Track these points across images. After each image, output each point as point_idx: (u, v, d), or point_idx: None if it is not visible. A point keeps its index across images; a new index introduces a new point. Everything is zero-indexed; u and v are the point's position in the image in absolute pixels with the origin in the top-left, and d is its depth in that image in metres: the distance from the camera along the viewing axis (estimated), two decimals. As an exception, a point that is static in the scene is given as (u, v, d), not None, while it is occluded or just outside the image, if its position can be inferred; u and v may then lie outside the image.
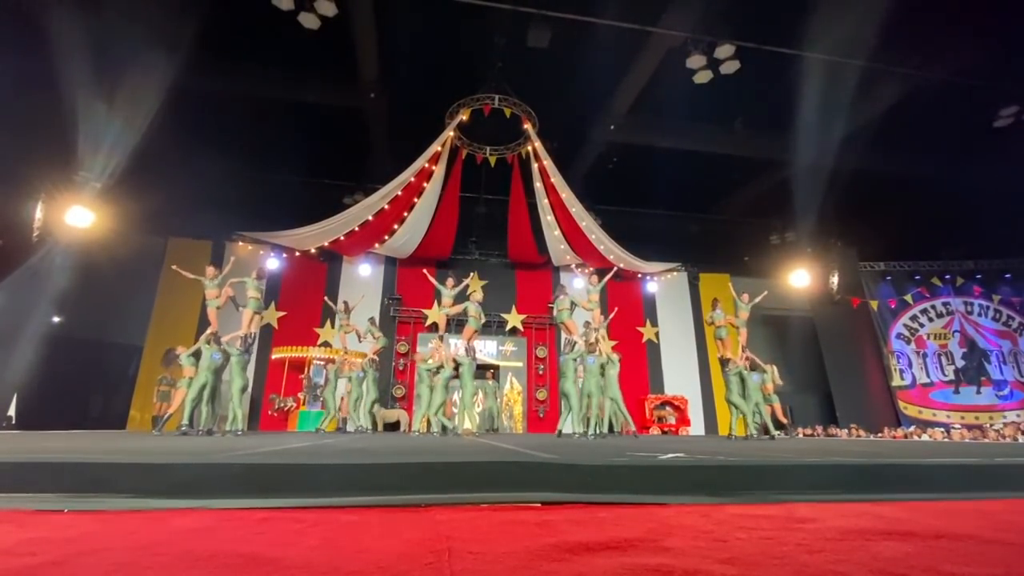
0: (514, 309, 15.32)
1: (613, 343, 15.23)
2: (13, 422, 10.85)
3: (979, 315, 14.86)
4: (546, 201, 13.57)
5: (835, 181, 11.90)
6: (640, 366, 15.45)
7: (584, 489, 2.09)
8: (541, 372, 14.69)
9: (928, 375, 14.49)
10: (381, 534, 1.48)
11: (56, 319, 11.28)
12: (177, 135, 10.22)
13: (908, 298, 15.02)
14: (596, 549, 1.29)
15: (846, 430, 13.12)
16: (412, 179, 12.48)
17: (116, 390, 12.28)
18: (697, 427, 14.46)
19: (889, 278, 15.36)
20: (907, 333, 14.94)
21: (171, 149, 10.42)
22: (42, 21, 8.12)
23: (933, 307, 15.09)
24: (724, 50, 9.66)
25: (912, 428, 13.06)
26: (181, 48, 8.53)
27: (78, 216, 10.44)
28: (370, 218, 13.25)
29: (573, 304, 7.86)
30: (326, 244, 14.01)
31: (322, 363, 13.08)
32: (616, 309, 12.54)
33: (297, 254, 14.35)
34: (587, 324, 8.21)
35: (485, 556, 1.24)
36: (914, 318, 15.05)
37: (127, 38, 8.18)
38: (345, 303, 11.54)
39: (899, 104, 10.88)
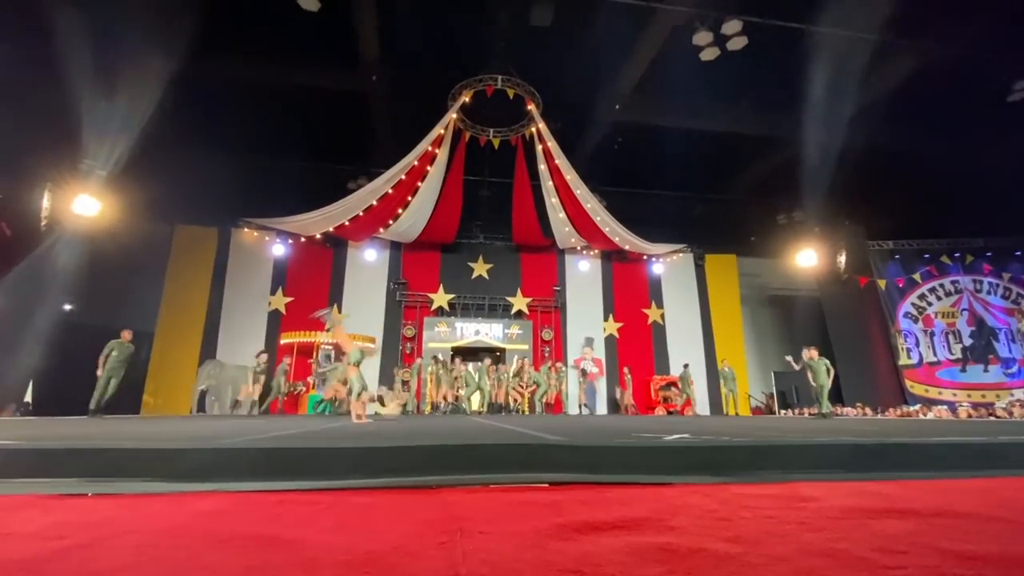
0: (519, 292, 15.34)
1: (619, 324, 15.32)
2: (30, 408, 11.09)
3: (988, 293, 14.74)
4: (550, 183, 13.48)
5: (844, 159, 11.71)
6: (646, 348, 15.50)
7: (591, 470, 2.14)
8: (547, 355, 14.76)
9: (935, 354, 14.45)
10: (394, 515, 1.53)
11: (67, 307, 11.41)
12: (181, 122, 10.19)
13: (916, 277, 14.90)
14: (603, 528, 1.33)
15: (852, 409, 13.16)
16: (415, 163, 12.42)
17: (130, 376, 12.48)
18: (702, 407, 14.55)
19: (898, 257, 15.23)
20: (915, 312, 14.86)
21: (175, 136, 10.41)
22: (45, 11, 8.06)
23: (941, 285, 14.97)
24: (731, 26, 9.45)
25: (917, 406, 13.08)
26: (183, 35, 8.47)
27: (85, 204, 10.48)
28: (374, 203, 13.22)
29: None
30: (331, 229, 14.02)
31: (330, 347, 13.23)
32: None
33: (303, 240, 14.39)
34: None
35: (495, 535, 1.28)
36: (922, 297, 14.96)
37: (129, 26, 8.13)
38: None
39: (910, 80, 10.64)
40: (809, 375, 10.10)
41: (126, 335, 8.77)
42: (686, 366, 14.07)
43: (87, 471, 1.96)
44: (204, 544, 1.22)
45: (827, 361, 10.20)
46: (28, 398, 11.33)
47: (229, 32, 9.70)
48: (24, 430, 3.88)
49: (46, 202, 10.38)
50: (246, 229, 14.01)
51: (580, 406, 13.61)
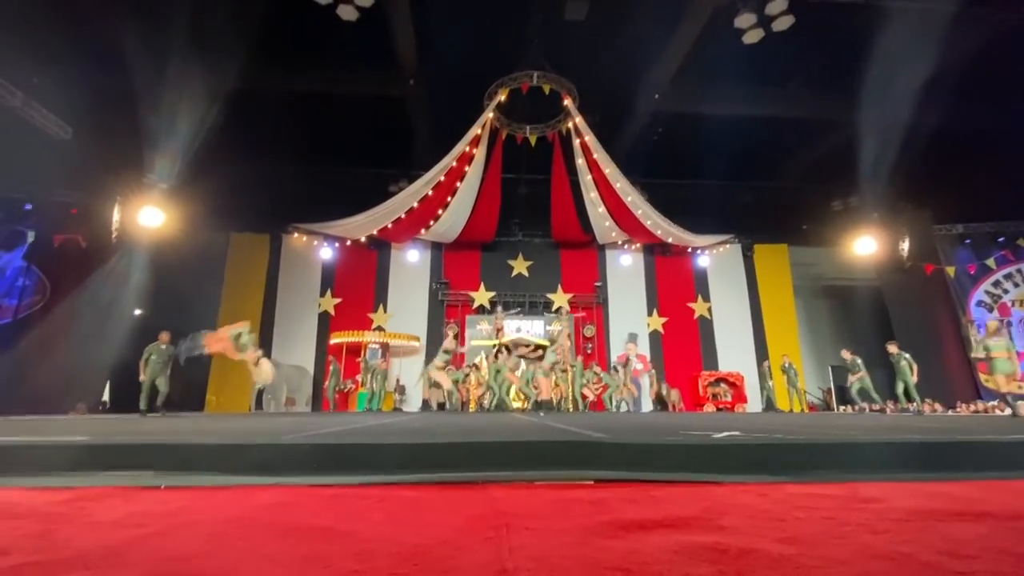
0: (560, 288, 15.28)
1: (663, 319, 14.94)
2: (108, 406, 12.00)
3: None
4: (589, 178, 13.33)
5: (906, 139, 10.95)
6: (692, 343, 15.10)
7: (638, 467, 2.11)
8: (589, 351, 14.63)
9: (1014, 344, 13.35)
10: (442, 510, 1.57)
11: (138, 311, 12.26)
12: (233, 135, 10.74)
13: (990, 262, 13.79)
14: (650, 527, 1.32)
15: (921, 404, 12.34)
16: (454, 164, 12.57)
17: (194, 376, 13.29)
18: (754, 404, 14.05)
19: (968, 241, 14.14)
20: (989, 300, 13.78)
21: (228, 149, 10.98)
22: (111, 37, 8.69)
23: (1019, 271, 13.80)
24: (776, 5, 9.01)
25: (995, 402, 12.13)
26: (233, 54, 8.94)
27: (150, 216, 11.22)
28: (415, 205, 13.49)
29: None
30: (375, 232, 14.41)
31: (377, 346, 13.61)
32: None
33: (348, 243, 14.86)
34: None
35: (541, 532, 1.29)
36: (996, 284, 13.84)
37: (186, 48, 8.66)
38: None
39: (981, 51, 9.83)
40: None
41: (164, 337, 8.93)
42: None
43: (161, 465, 2.11)
44: (266, 534, 1.29)
45: (908, 355, 9.82)
46: (105, 397, 12.27)
47: (274, 48, 10.12)
48: (102, 427, 4.21)
49: (116, 215, 11.19)
50: (295, 234, 14.60)
51: (618, 403, 13.31)
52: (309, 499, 1.74)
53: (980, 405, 11.91)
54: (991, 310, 13.69)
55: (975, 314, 13.67)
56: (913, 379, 9.77)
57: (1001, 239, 13.94)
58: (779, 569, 0.99)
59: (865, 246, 14.18)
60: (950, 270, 13.84)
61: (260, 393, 12.85)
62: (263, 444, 2.29)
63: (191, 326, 13.47)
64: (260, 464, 2.11)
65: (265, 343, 13.91)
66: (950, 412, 11.41)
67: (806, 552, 1.09)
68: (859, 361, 10.87)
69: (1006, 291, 13.78)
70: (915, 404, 9.82)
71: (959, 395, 12.61)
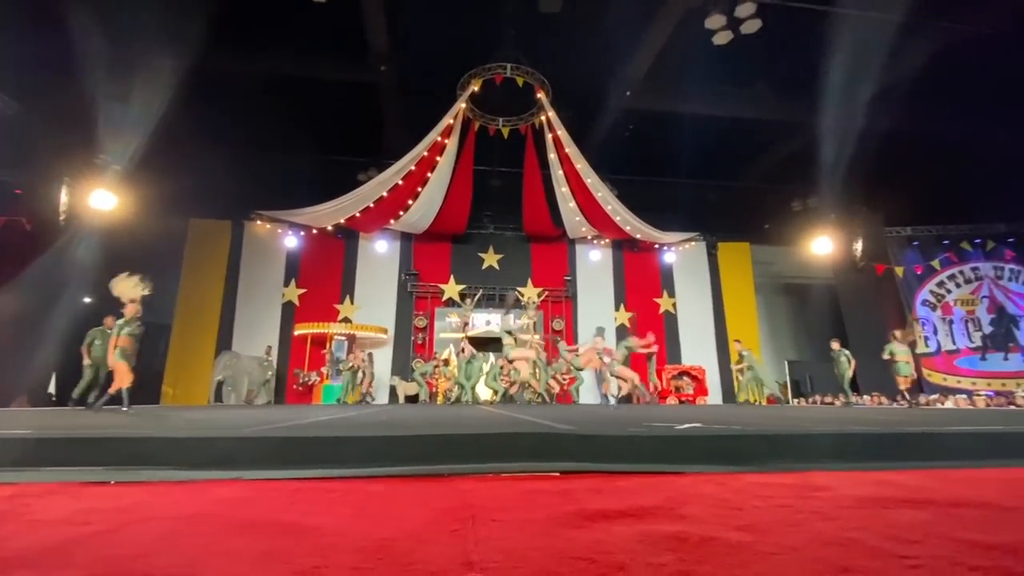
0: (530, 282, 15.33)
1: (630, 314, 15.23)
2: (54, 399, 11.39)
3: (1009, 280, 14.40)
4: (561, 172, 13.38)
5: (861, 143, 11.42)
6: (657, 337, 15.41)
7: (603, 459, 2.15)
8: (557, 344, 14.72)
9: (954, 342, 14.19)
10: (409, 503, 1.55)
11: (87, 300, 11.64)
12: (194, 117, 10.28)
13: (935, 264, 14.59)
14: (615, 517, 1.34)
15: (868, 398, 13.01)
16: (425, 153, 12.40)
17: (149, 367, 12.76)
18: (715, 396, 14.49)
19: (916, 243, 14.92)
20: (933, 300, 14.59)
21: (189, 131, 10.50)
22: (60, 10, 8.16)
23: (961, 272, 14.66)
24: (745, 8, 9.23)
25: (935, 395, 12.89)
26: (195, 31, 8.52)
27: (101, 199, 10.65)
28: (384, 194, 13.25)
29: None
30: (342, 221, 14.10)
31: (343, 338, 13.38)
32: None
33: (314, 232, 14.50)
34: None
35: (508, 523, 1.29)
36: (941, 284, 14.66)
37: (141, 23, 8.21)
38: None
39: (931, 61, 10.33)
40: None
41: (108, 322, 8.05)
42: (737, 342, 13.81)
43: (111, 460, 2.02)
44: (224, 530, 1.25)
45: (847, 352, 10.38)
46: (52, 389, 11.64)
47: (239, 27, 9.73)
48: (48, 420, 3.99)
49: (64, 196, 10.57)
50: (259, 222, 14.14)
51: (605, 395, 13.47)
52: (271, 494, 1.70)
53: (923, 398, 12.62)
54: (935, 309, 14.50)
55: (920, 312, 14.46)
56: (849, 374, 10.37)
57: (946, 242, 14.75)
58: (737, 556, 1.02)
59: (822, 246, 14.77)
60: (899, 270, 14.57)
61: (220, 385, 12.47)
62: (223, 437, 2.22)
63: (145, 314, 12.94)
64: (219, 458, 2.04)
65: (225, 333, 13.49)
66: (893, 405, 12.06)
67: (762, 539, 1.13)
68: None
69: (949, 291, 14.61)
70: (846, 397, 10.59)
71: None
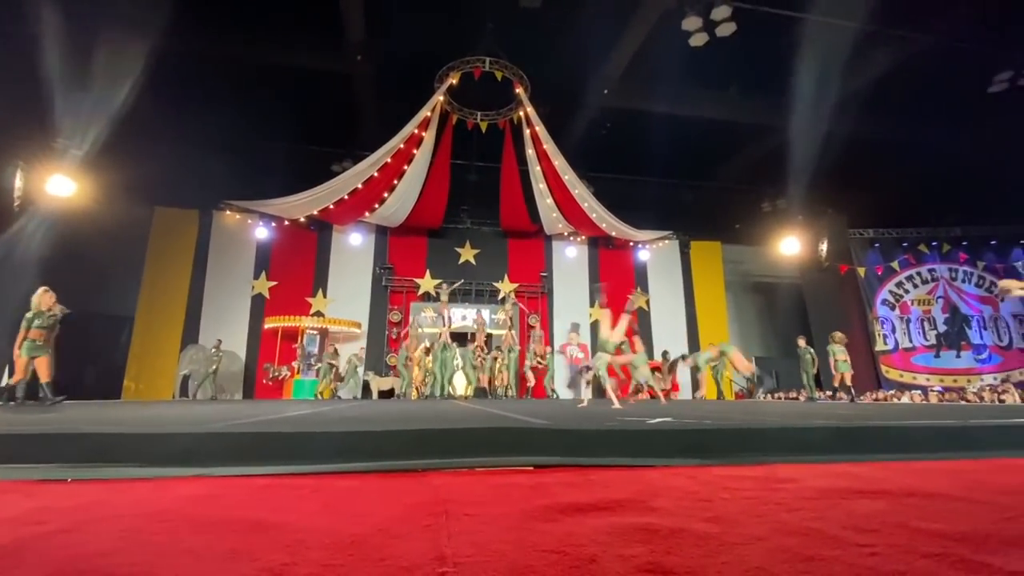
0: (506, 278, 15.33)
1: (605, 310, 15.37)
2: (4, 394, 10.83)
3: (963, 281, 15.13)
4: (538, 168, 13.40)
5: (827, 147, 11.82)
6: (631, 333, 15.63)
7: (576, 453, 2.17)
8: (532, 340, 14.80)
9: (911, 340, 14.84)
10: (380, 499, 1.54)
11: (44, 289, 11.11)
12: (161, 102, 9.91)
13: (895, 265, 15.21)
14: (587, 510, 1.35)
15: (830, 393, 13.46)
16: (401, 146, 12.24)
17: (109, 361, 12.28)
18: (685, 392, 14.79)
19: (877, 245, 15.52)
20: (892, 299, 15.21)
21: (155, 116, 10.11)
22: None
23: (919, 273, 15.32)
24: (720, 11, 9.40)
25: (892, 391, 13.44)
26: (161, 10, 8.17)
27: (59, 185, 10.17)
28: (359, 186, 13.03)
29: None
30: (315, 213, 13.81)
31: (315, 332, 13.14)
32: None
33: (286, 223, 14.16)
34: None
35: (481, 517, 1.29)
36: (899, 284, 15.29)
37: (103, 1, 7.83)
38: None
39: (893, 70, 10.74)
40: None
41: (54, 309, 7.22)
42: (664, 353, 14.15)
43: (68, 457, 1.94)
44: (188, 528, 1.21)
45: (811, 350, 10.81)
46: (3, 383, 11.08)
47: (210, 7, 9.40)
48: (2, 416, 3.81)
49: (19, 182, 10.06)
50: (228, 212, 13.73)
51: (551, 391, 13.62)
52: (237, 490, 1.66)
53: (881, 394, 13.16)
54: (894, 308, 15.12)
55: (880, 311, 15.05)
56: (813, 371, 10.87)
57: (905, 244, 15.40)
58: (704, 546, 1.04)
59: (789, 246, 15.22)
60: (861, 270, 15.13)
61: (185, 380, 12.10)
62: (187, 433, 2.15)
63: (107, 306, 12.46)
64: (184, 454, 1.98)
65: (192, 326, 13.09)
66: (854, 400, 12.53)
67: (729, 530, 1.16)
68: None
69: (907, 291, 15.25)
70: (809, 393, 11.11)
71: (863, 385, 13.87)
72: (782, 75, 10.53)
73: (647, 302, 15.95)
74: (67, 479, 1.77)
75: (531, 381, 13.37)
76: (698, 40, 9.88)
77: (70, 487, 1.71)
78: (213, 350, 12.13)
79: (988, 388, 12.25)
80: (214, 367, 11.96)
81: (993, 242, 15.11)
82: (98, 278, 11.85)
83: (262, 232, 14.11)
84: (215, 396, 11.83)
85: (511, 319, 14.17)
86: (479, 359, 12.83)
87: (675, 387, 14.07)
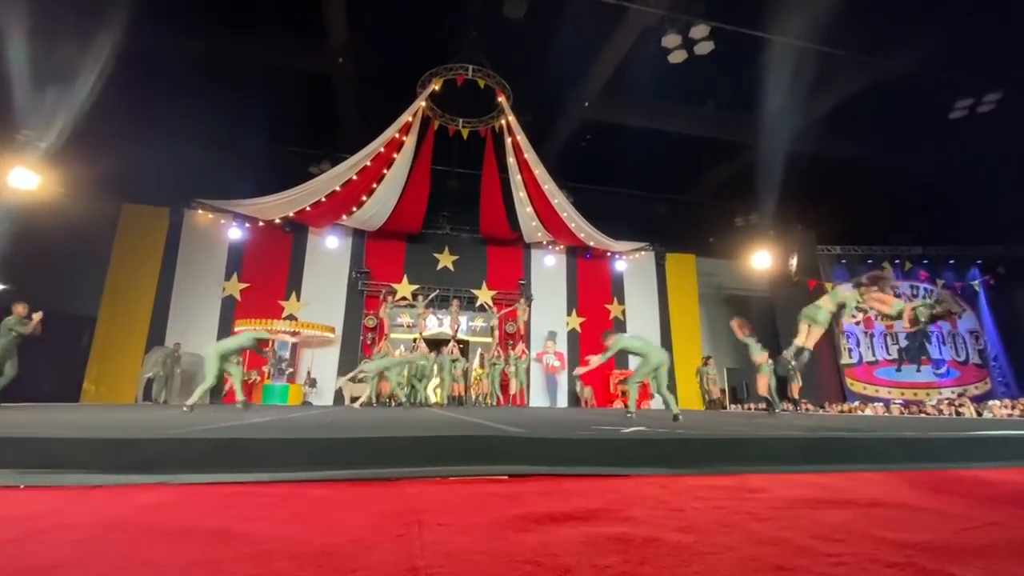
0: (484, 285, 15.31)
1: (582, 319, 15.49)
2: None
3: (923, 298, 15.74)
4: (519, 177, 13.46)
5: (798, 165, 12.23)
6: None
7: (551, 462, 2.17)
8: (510, 347, 14.79)
9: (874, 353, 15.35)
10: (352, 507, 1.50)
11: (1, 286, 10.63)
12: (132, 95, 9.61)
13: (860, 281, 15.73)
14: (561, 519, 1.35)
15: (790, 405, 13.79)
16: (381, 149, 12.16)
17: (69, 362, 11.78)
18: (657, 401, 14.93)
19: (844, 261, 16.05)
20: (857, 314, 15.73)
21: (126, 110, 9.80)
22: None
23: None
24: (699, 30, 9.67)
25: (856, 403, 13.86)
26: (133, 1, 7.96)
27: (21, 178, 9.76)
28: (337, 189, 12.87)
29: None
30: (291, 214, 13.57)
31: (288, 336, 12.85)
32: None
33: (260, 224, 13.87)
34: None
35: (454, 527, 1.28)
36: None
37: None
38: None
39: (862, 92, 11.20)
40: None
41: (20, 309, 7.16)
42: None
43: (21, 462, 1.84)
44: (147, 538, 1.17)
45: (771, 362, 11.10)
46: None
47: (188, 1, 9.19)
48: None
49: (-23, 173, 9.62)
50: (200, 211, 13.37)
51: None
52: (201, 498, 1.60)
53: (845, 406, 13.55)
54: (859, 323, 15.62)
55: (845, 325, 15.54)
56: (775, 383, 11.23)
57: (870, 261, 15.96)
58: (677, 556, 1.05)
59: (761, 260, 15.61)
60: (828, 286, 15.54)
61: (149, 383, 11.68)
62: (148, 438, 2.07)
63: (69, 304, 11.96)
64: (144, 461, 1.90)
65: (158, 327, 12.67)
66: (820, 411, 12.88)
67: (701, 539, 1.17)
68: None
69: (871, 307, 15.77)
70: (776, 405, 11.28)
71: (829, 397, 14.27)
72: (755, 94, 10.86)
73: (623, 312, 16.14)
74: (20, 486, 1.68)
75: (513, 389, 13.31)
76: (677, 57, 10.13)
77: (22, 494, 1.63)
78: (173, 352, 11.75)
79: (946, 401, 12.74)
80: (170, 370, 11.57)
81: (952, 261, 15.80)
82: (61, 276, 11.40)
83: (235, 233, 13.79)
84: (167, 400, 11.43)
85: (492, 328, 14.15)
86: (459, 369, 12.73)
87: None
